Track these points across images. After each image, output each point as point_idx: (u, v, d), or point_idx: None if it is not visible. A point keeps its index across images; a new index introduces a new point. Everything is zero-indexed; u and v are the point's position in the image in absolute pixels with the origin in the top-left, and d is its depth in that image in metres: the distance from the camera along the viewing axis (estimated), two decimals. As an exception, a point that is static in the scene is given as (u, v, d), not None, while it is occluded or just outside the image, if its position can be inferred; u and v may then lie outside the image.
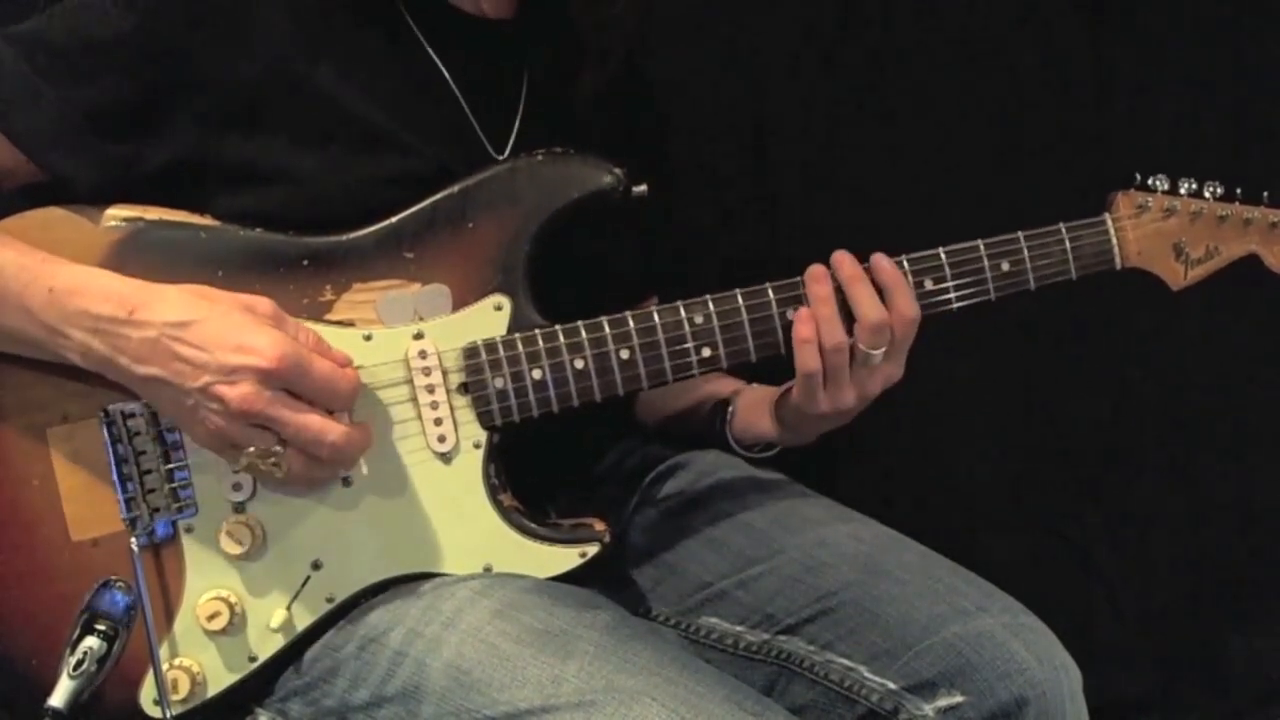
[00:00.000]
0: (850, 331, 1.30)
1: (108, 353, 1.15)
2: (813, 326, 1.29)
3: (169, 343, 1.13)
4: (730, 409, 1.48)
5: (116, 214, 1.25)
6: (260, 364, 1.12)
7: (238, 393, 1.12)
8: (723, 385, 1.52)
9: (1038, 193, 1.90)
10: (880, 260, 1.31)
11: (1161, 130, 1.94)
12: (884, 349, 1.31)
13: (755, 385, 1.49)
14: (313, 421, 1.14)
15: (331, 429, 1.15)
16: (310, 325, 1.24)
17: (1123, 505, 2.06)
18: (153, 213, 1.26)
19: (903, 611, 1.30)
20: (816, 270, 1.31)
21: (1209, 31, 1.95)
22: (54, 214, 1.25)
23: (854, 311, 1.30)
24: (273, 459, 1.14)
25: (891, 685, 1.29)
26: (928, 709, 1.27)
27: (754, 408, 1.46)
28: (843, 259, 1.31)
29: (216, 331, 1.13)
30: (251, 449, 1.14)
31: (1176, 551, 2.07)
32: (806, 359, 1.30)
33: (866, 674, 1.30)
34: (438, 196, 1.28)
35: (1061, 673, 1.29)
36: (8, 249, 1.18)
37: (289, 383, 1.14)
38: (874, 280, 1.31)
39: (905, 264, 1.33)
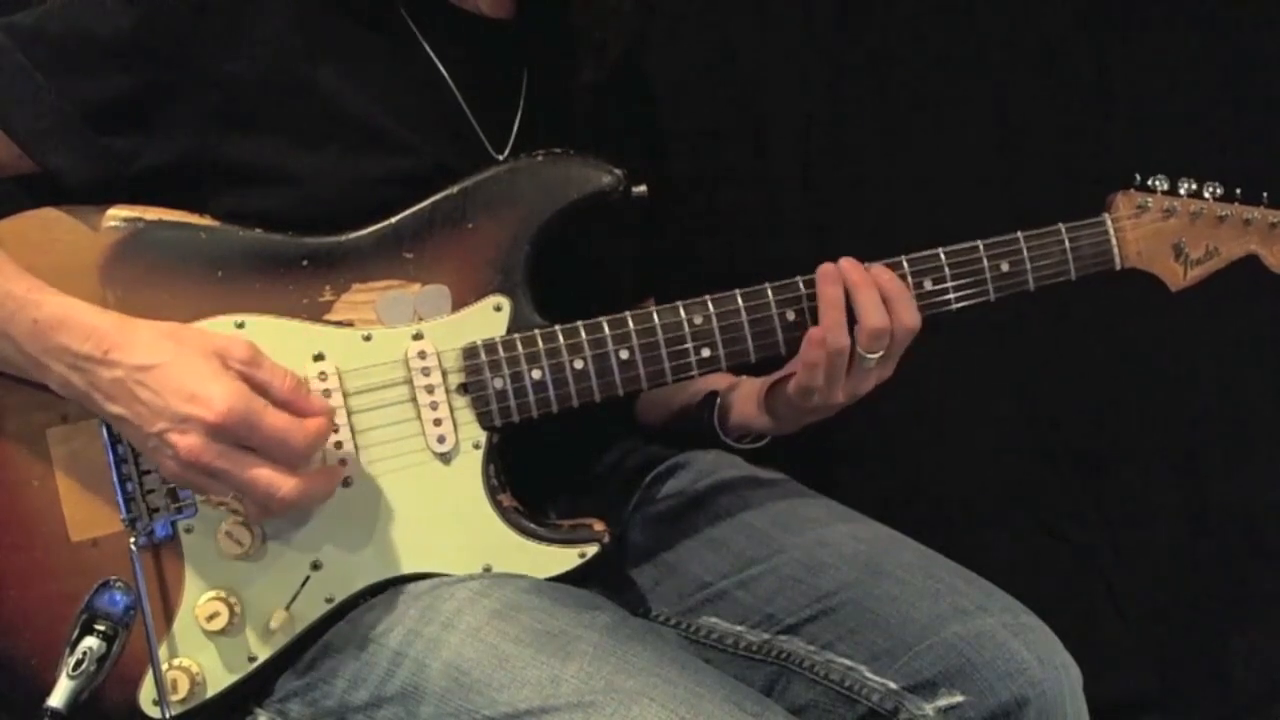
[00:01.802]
0: (850, 334, 1.31)
1: (84, 388, 1.15)
2: (824, 351, 1.30)
3: (132, 385, 1.13)
4: (719, 401, 1.48)
5: (116, 214, 1.25)
6: (206, 416, 1.11)
7: (186, 443, 1.11)
8: (712, 378, 1.52)
9: (1037, 193, 1.90)
10: (881, 272, 1.32)
11: (1161, 130, 1.94)
12: (880, 354, 1.31)
13: (743, 378, 1.49)
14: (260, 476, 1.13)
15: (280, 484, 1.13)
16: (309, 326, 1.25)
17: (1123, 505, 2.06)
18: (152, 213, 1.25)
19: (903, 611, 1.30)
20: (830, 271, 1.31)
21: (1209, 31, 1.95)
22: (52, 214, 1.24)
23: (858, 316, 1.30)
24: (228, 505, 1.15)
25: (892, 685, 1.29)
26: (928, 709, 1.27)
27: (744, 401, 1.46)
28: (850, 265, 1.32)
29: (174, 377, 1.12)
30: (210, 495, 1.16)
31: (1176, 551, 2.07)
32: (811, 378, 1.31)
33: (867, 674, 1.30)
34: (437, 197, 1.28)
35: (1062, 672, 1.29)
36: None
37: (237, 436, 1.12)
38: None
39: (905, 264, 1.33)
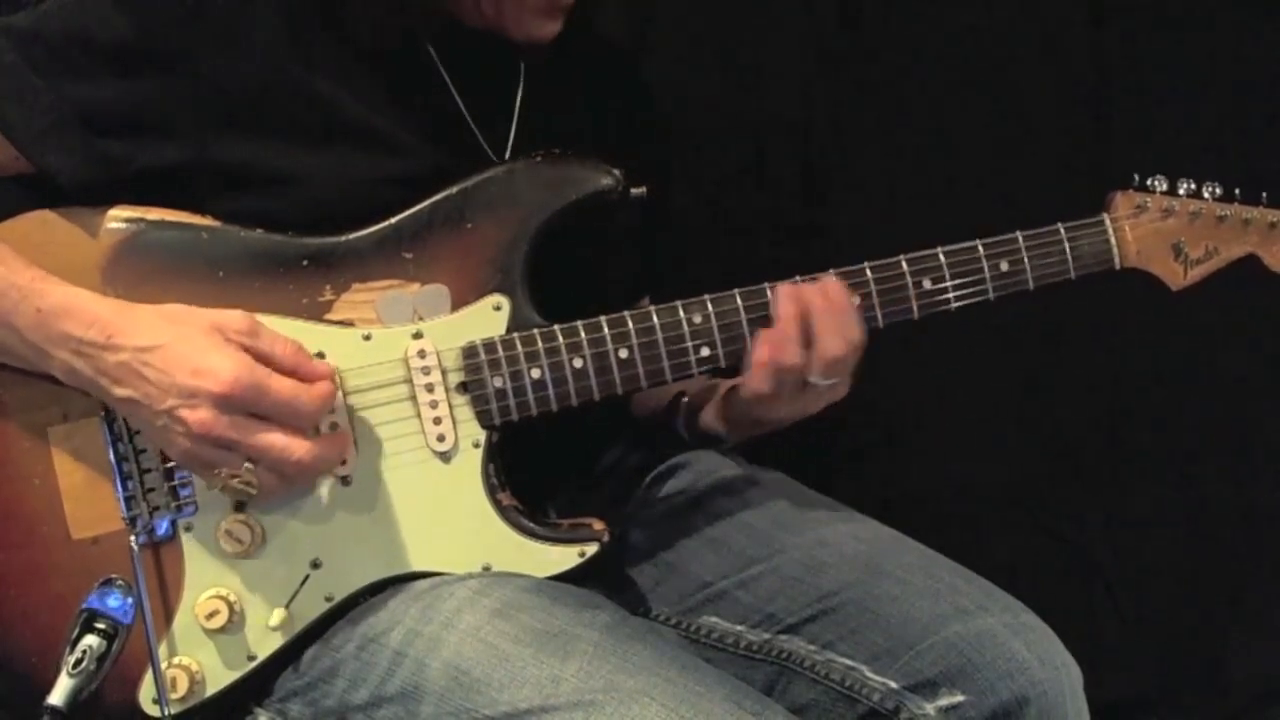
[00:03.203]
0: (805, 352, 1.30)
1: (90, 374, 1.16)
2: (770, 351, 1.29)
3: (138, 366, 1.14)
4: (686, 401, 1.49)
5: (118, 215, 1.25)
6: (213, 388, 1.12)
7: (196, 417, 1.13)
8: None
9: (1037, 193, 1.90)
10: (831, 284, 1.31)
11: (1161, 130, 1.94)
12: (836, 380, 1.31)
13: (712, 381, 1.48)
14: (275, 441, 1.15)
15: (295, 447, 1.15)
16: (309, 325, 1.25)
17: (1123, 505, 2.06)
18: (153, 214, 1.26)
19: (903, 611, 1.30)
20: (789, 290, 1.30)
21: (1209, 31, 1.95)
22: (53, 216, 1.25)
23: (817, 342, 1.29)
24: (241, 479, 1.15)
25: (893, 684, 1.29)
26: (929, 708, 1.28)
27: (705, 407, 1.47)
28: (812, 290, 1.30)
29: (178, 355, 1.14)
30: (222, 470, 1.15)
31: (1176, 551, 2.07)
32: (760, 381, 1.30)
33: (868, 673, 1.30)
34: (437, 197, 1.29)
35: (1062, 672, 1.29)
36: (0, 265, 1.18)
37: (247, 404, 1.14)
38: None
39: (904, 264, 1.33)
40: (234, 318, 1.17)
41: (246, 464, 1.15)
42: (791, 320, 1.29)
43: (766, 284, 1.31)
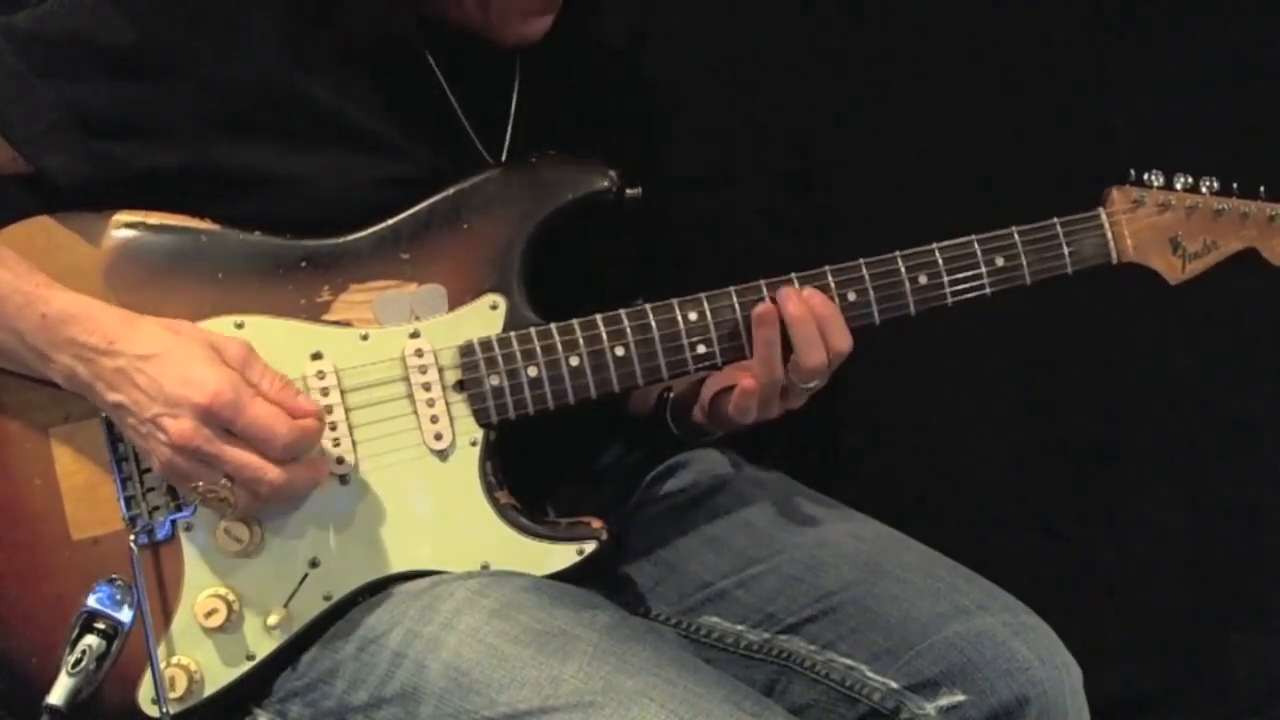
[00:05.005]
0: (786, 361, 1.30)
1: (88, 379, 1.18)
2: (757, 385, 1.29)
3: (132, 372, 1.16)
4: (670, 398, 1.48)
5: (119, 219, 1.26)
6: (197, 399, 1.14)
7: (177, 426, 1.14)
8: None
9: (1034, 189, 1.90)
10: (813, 295, 1.30)
11: (1160, 128, 1.94)
12: (816, 381, 1.31)
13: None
14: (250, 460, 1.15)
15: (268, 470, 1.16)
16: (307, 326, 1.26)
17: (1123, 505, 2.06)
18: (154, 217, 1.27)
19: (904, 610, 1.31)
20: (767, 312, 1.29)
21: (1207, 28, 1.95)
22: (56, 220, 1.26)
23: (796, 352, 1.29)
24: (217, 494, 1.16)
25: (893, 684, 1.29)
26: (929, 708, 1.28)
27: (693, 406, 1.45)
28: (789, 296, 1.29)
29: (171, 364, 1.15)
30: (199, 483, 1.16)
31: (1176, 551, 2.06)
32: (745, 410, 1.31)
33: (868, 673, 1.31)
34: (434, 199, 1.29)
35: (1063, 671, 1.30)
36: (5, 270, 1.20)
37: (225, 421, 1.15)
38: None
39: (899, 260, 1.33)
40: (232, 344, 1.19)
41: (224, 480, 1.16)
42: (771, 345, 1.29)
43: (762, 281, 1.31)
